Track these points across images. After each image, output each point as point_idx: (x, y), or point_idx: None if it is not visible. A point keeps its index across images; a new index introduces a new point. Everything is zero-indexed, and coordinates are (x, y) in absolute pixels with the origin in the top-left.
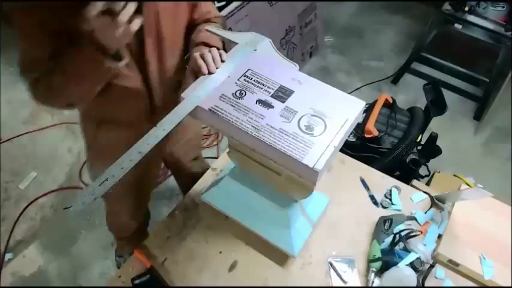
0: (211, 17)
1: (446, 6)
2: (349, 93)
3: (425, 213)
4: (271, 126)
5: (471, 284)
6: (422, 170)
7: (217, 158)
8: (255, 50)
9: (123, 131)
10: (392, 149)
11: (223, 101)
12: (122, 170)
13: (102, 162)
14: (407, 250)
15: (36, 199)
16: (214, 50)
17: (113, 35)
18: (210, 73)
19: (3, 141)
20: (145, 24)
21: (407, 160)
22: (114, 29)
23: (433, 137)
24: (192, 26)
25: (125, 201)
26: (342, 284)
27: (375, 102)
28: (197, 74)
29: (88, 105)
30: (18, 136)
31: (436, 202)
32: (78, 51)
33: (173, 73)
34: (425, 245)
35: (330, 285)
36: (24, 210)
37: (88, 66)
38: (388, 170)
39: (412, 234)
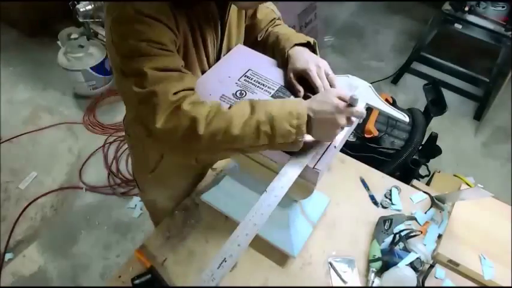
0: (275, 17)
1: (446, 6)
2: None
3: (425, 213)
4: None
5: (471, 284)
6: (422, 170)
7: None
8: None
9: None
10: (395, 157)
11: (224, 101)
12: (239, 247)
13: (164, 188)
14: (407, 250)
15: (36, 199)
16: (326, 66)
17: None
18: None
19: (3, 141)
20: (224, 39)
21: (408, 160)
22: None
23: (433, 137)
24: (254, 27)
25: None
26: (342, 284)
27: None
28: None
29: None
30: (18, 136)
31: (436, 202)
32: (284, 114)
33: None
34: (425, 245)
35: (330, 285)
36: (24, 210)
37: (287, 135)
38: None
39: (412, 234)
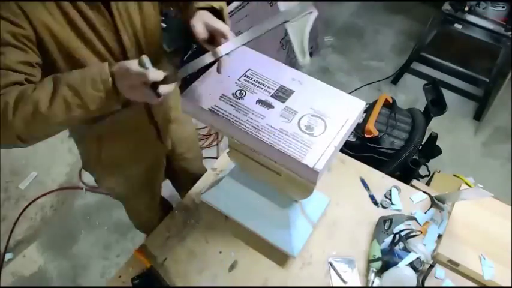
0: None
1: (446, 6)
2: (349, 93)
3: (425, 213)
4: (271, 126)
5: (471, 284)
6: (422, 170)
7: (217, 158)
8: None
9: (126, 139)
10: (395, 157)
11: (224, 101)
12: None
13: (114, 175)
14: (407, 250)
15: (36, 199)
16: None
17: (139, 94)
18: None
19: None
20: (118, 22)
21: (408, 160)
22: (142, 90)
23: (433, 137)
24: None
25: (139, 196)
26: (342, 284)
27: (375, 102)
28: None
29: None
30: None
31: (436, 202)
32: (88, 81)
33: (156, 63)
34: (425, 245)
35: (330, 285)
36: (24, 210)
37: (98, 100)
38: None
39: (412, 234)
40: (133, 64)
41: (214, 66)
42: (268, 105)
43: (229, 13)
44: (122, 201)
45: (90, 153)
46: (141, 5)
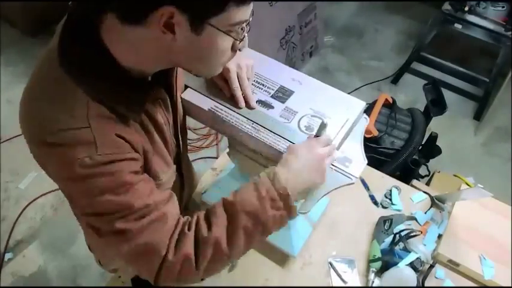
0: None
1: (446, 6)
2: (349, 93)
3: (425, 213)
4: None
5: (471, 284)
6: (422, 170)
7: (217, 158)
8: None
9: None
10: (395, 157)
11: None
12: None
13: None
14: (407, 250)
15: (36, 199)
16: (248, 67)
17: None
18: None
19: (3, 141)
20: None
21: (408, 160)
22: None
23: (433, 137)
24: None
25: None
26: (342, 284)
27: (375, 102)
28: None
29: None
30: (18, 136)
31: (436, 202)
32: (267, 201)
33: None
34: (425, 245)
35: (330, 285)
36: (24, 210)
37: (279, 219)
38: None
39: (412, 234)
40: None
41: None
42: (268, 106)
43: None
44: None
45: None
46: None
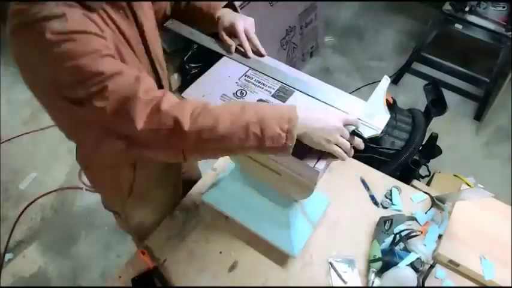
0: None
1: (447, 6)
2: (349, 93)
3: (426, 213)
4: None
5: (471, 284)
6: (423, 170)
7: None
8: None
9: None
10: (395, 157)
11: (224, 101)
12: None
13: (146, 206)
14: (407, 250)
15: (36, 199)
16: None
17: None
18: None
19: (3, 141)
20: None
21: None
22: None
23: (433, 137)
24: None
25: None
26: (342, 284)
27: None
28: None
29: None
30: (18, 136)
31: (437, 202)
32: (276, 116)
33: (158, 65)
34: (425, 245)
35: (330, 285)
36: (24, 210)
37: (277, 139)
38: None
39: (412, 234)
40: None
41: (215, 66)
42: None
43: None
44: (140, 237)
45: (122, 183)
46: (149, 16)
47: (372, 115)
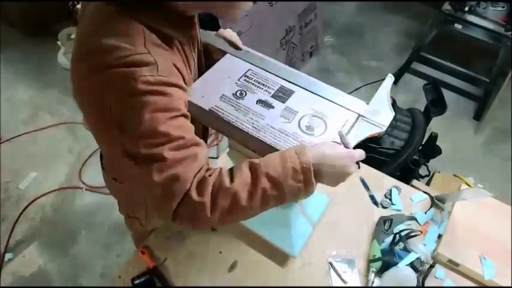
0: None
1: (446, 6)
2: (349, 93)
3: (425, 213)
4: (271, 127)
5: (471, 284)
6: (422, 170)
7: (217, 158)
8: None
9: None
10: (395, 157)
11: (224, 101)
12: None
13: None
14: (407, 250)
15: (36, 199)
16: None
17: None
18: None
19: (3, 141)
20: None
21: (408, 160)
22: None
23: (433, 137)
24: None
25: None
26: (342, 284)
27: None
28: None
29: None
30: (18, 136)
31: (436, 202)
32: (290, 172)
33: None
34: (425, 245)
35: (330, 285)
36: (24, 210)
37: (296, 191)
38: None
39: (412, 234)
40: (340, 150)
41: (214, 67)
42: (269, 106)
43: None
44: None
45: None
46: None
47: (377, 113)
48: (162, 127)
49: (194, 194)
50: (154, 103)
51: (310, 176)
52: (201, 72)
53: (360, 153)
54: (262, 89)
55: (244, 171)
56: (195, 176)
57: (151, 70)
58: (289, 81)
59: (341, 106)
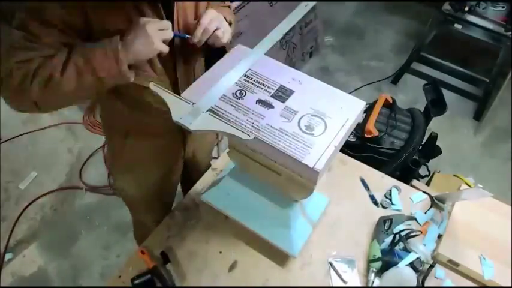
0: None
1: (446, 6)
2: (349, 93)
3: (425, 213)
4: (271, 126)
5: (471, 284)
6: (422, 170)
7: (217, 158)
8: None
9: (153, 140)
10: (395, 157)
11: (224, 101)
12: None
13: (131, 175)
14: (407, 250)
15: (36, 199)
16: (225, 23)
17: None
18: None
19: (3, 141)
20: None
21: (408, 160)
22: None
23: (433, 137)
24: None
25: (151, 208)
26: (342, 284)
27: (375, 102)
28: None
29: (115, 116)
30: (18, 136)
31: (436, 202)
32: (99, 50)
33: (198, 72)
34: (425, 245)
35: (330, 285)
36: (24, 210)
37: (108, 67)
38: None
39: (412, 234)
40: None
41: (214, 67)
42: (268, 105)
43: None
44: (131, 209)
45: (114, 145)
46: (197, 5)
47: None
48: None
49: (15, 65)
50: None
51: (118, 52)
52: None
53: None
54: (262, 88)
55: (62, 50)
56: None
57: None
58: (289, 81)
59: (341, 106)
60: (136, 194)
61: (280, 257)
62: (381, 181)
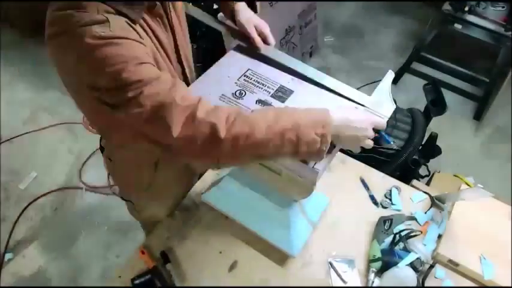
0: None
1: (446, 6)
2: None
3: (425, 213)
4: None
5: (471, 284)
6: (422, 170)
7: None
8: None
9: (180, 165)
10: (395, 157)
11: (223, 101)
12: None
13: (161, 201)
14: (407, 250)
15: (36, 199)
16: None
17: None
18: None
19: (3, 141)
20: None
21: (408, 160)
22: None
23: (433, 137)
24: None
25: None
26: (342, 284)
27: None
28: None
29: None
30: (18, 136)
31: (436, 202)
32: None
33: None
34: (425, 245)
35: (330, 285)
36: (24, 210)
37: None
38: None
39: (412, 234)
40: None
41: (214, 67)
42: (268, 105)
43: None
44: (149, 227)
45: (142, 179)
46: (181, 19)
47: (379, 104)
48: (130, 74)
49: (201, 114)
50: (112, 55)
51: (329, 130)
52: (182, 53)
53: (379, 120)
54: (262, 88)
55: (267, 109)
56: (184, 97)
57: (103, 27)
58: (289, 81)
59: (342, 99)
60: (162, 215)
61: (280, 257)
62: (381, 181)
